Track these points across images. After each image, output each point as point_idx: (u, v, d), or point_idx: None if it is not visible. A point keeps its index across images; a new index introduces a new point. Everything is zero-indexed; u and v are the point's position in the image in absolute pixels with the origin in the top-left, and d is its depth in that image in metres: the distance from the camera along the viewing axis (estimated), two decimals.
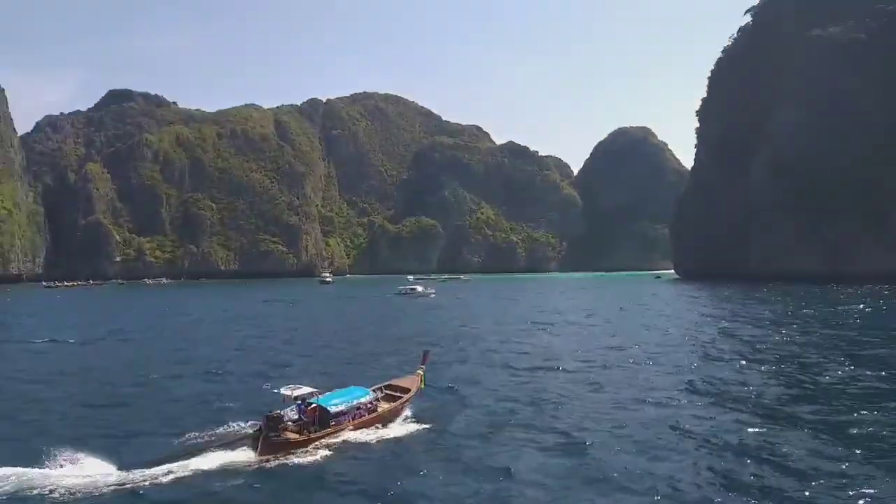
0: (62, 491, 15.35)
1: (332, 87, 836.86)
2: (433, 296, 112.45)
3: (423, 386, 24.30)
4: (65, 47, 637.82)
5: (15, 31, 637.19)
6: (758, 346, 38.27)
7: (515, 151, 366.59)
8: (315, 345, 45.10)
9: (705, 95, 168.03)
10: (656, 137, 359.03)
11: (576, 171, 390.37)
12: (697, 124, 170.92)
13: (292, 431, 18.76)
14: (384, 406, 21.64)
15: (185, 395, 27.20)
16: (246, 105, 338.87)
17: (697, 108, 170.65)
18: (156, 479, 16.07)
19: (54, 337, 50.94)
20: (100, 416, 23.23)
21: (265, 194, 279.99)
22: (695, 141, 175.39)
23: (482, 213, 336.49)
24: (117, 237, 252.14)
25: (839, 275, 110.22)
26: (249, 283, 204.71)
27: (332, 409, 19.70)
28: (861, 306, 65.49)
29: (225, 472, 16.69)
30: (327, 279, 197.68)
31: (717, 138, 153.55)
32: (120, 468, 16.64)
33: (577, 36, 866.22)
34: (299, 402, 19.50)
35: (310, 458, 17.82)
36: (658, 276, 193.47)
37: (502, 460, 17.34)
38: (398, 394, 22.81)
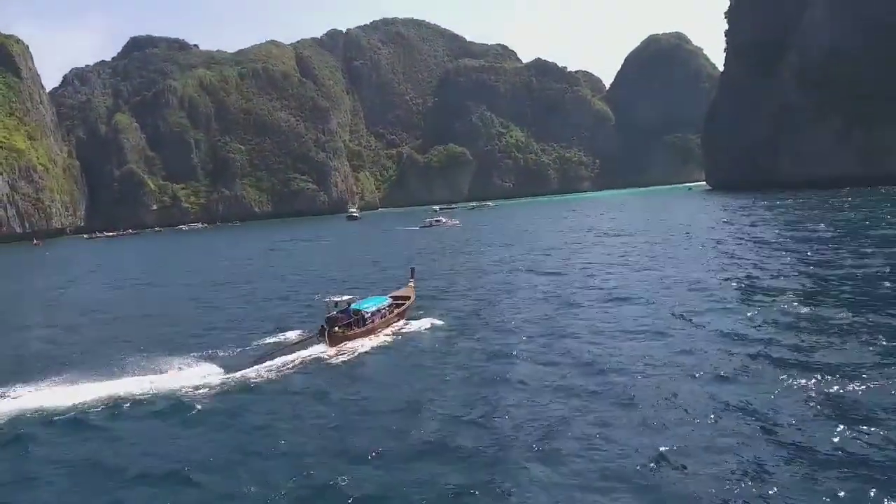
0: (187, 389, 19.66)
1: (352, 16, 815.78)
2: (458, 226, 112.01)
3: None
4: None
5: None
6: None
7: (543, 69, 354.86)
8: (336, 273, 52.12)
9: None
10: (690, 43, 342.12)
11: (608, 85, 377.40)
12: (727, 26, 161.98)
13: (345, 328, 24.62)
14: (395, 310, 27.84)
15: (253, 313, 33.87)
16: (266, 42, 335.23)
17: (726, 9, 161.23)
18: (259, 373, 20.84)
19: (119, 280, 60.99)
20: (190, 335, 28.70)
21: (291, 132, 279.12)
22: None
23: (511, 136, 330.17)
24: (151, 185, 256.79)
25: (873, 177, 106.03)
26: (280, 223, 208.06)
27: (367, 312, 25.72)
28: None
29: (307, 360, 22.39)
30: (354, 215, 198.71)
31: (746, 41, 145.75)
32: (226, 371, 21.14)
33: None
34: (345, 306, 25.62)
35: (360, 347, 23.91)
36: (690, 189, 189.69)
37: (481, 347, 23.10)
38: (401, 301, 29.27)
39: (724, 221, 70.57)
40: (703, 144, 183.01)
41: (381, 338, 25.14)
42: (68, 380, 21.18)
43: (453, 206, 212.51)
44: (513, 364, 20.32)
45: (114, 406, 18.67)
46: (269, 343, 25.22)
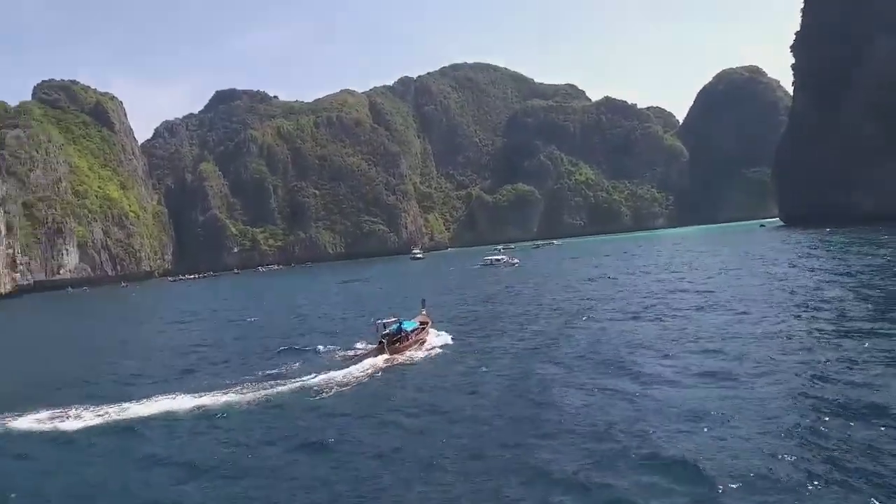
0: (287, 388, 25.07)
1: (423, 63, 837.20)
2: (517, 265, 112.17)
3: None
4: (175, 55, 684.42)
5: (130, 46, 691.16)
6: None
7: (612, 107, 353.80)
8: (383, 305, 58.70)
9: (798, 29, 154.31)
10: (765, 75, 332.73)
11: (681, 121, 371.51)
12: (793, 60, 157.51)
13: (397, 342, 31.10)
14: (423, 329, 34.87)
15: (326, 335, 40.46)
16: (340, 91, 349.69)
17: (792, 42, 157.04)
18: (346, 375, 26.62)
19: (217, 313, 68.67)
20: (286, 354, 33.98)
21: (363, 177, 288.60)
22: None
23: (581, 174, 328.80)
24: (233, 230, 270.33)
25: None
26: (351, 263, 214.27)
27: (409, 330, 32.88)
28: None
29: (374, 365, 28.21)
30: (418, 255, 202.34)
31: (813, 73, 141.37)
32: (318, 372, 27.00)
33: None
34: (394, 325, 32.54)
35: (410, 357, 30.17)
36: (762, 225, 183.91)
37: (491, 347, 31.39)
38: (424, 323, 36.41)
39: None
40: (773, 179, 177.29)
41: (421, 349, 32.02)
42: (195, 388, 26.31)
43: (511, 245, 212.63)
44: (519, 362, 27.17)
45: (235, 405, 23.46)
46: (346, 354, 31.77)
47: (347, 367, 28.14)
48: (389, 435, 18.67)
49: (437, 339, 34.38)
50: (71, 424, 22.27)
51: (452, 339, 34.28)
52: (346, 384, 25.35)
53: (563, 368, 25.05)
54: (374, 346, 31.02)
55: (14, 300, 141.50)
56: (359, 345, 33.85)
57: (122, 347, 45.77)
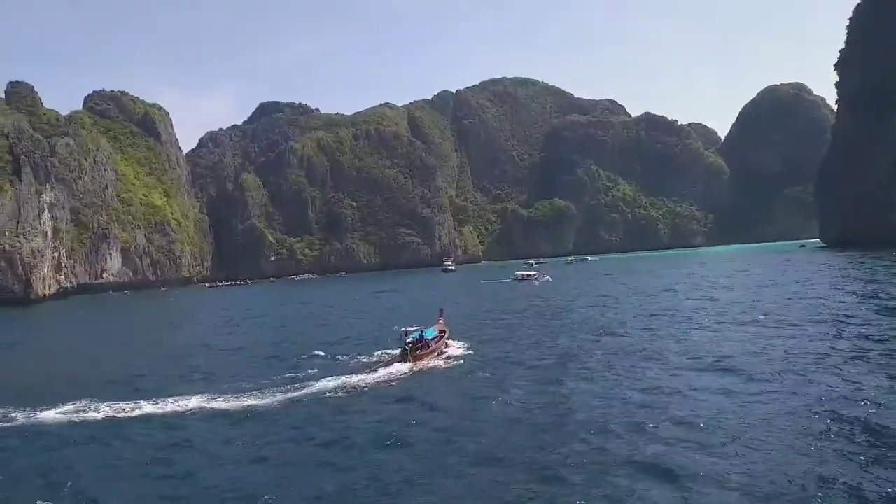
0: (305, 391, 26.02)
1: (463, 77, 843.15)
2: (549, 280, 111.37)
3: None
4: (220, 66, 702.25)
5: (180, 57, 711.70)
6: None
7: (652, 123, 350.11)
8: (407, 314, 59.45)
9: (843, 46, 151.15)
10: (811, 93, 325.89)
11: (723, 138, 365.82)
12: (837, 78, 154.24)
13: (418, 350, 32.15)
14: (442, 338, 36.18)
15: (354, 342, 41.79)
16: (380, 105, 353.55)
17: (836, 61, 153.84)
18: (369, 379, 27.93)
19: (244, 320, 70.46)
20: (312, 360, 35.34)
21: (399, 189, 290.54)
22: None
23: (619, 190, 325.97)
24: (271, 239, 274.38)
25: None
26: (383, 274, 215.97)
27: (429, 338, 34.26)
28: None
29: (396, 371, 29.29)
30: (450, 268, 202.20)
31: (856, 91, 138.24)
32: (340, 378, 27.94)
33: None
34: (416, 333, 33.75)
35: (429, 363, 31.33)
36: (802, 245, 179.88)
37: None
38: (443, 331, 37.78)
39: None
40: (815, 199, 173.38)
41: (440, 357, 33.17)
42: (218, 389, 27.49)
43: (543, 260, 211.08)
44: (527, 367, 29.10)
45: (252, 408, 24.24)
46: (369, 361, 32.99)
47: (370, 373, 29.12)
48: (405, 436, 19.34)
49: (457, 348, 35.44)
50: (99, 417, 23.76)
51: (473, 349, 35.08)
52: (367, 389, 26.32)
53: (578, 380, 25.39)
54: (397, 353, 32.10)
55: (58, 302, 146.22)
56: (381, 352, 34.93)
57: (157, 348, 47.53)
